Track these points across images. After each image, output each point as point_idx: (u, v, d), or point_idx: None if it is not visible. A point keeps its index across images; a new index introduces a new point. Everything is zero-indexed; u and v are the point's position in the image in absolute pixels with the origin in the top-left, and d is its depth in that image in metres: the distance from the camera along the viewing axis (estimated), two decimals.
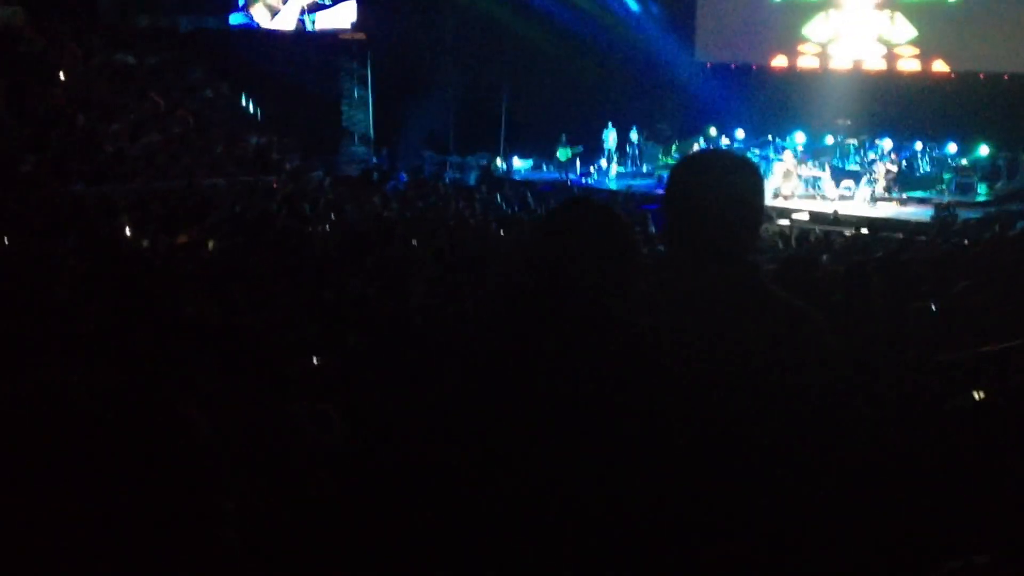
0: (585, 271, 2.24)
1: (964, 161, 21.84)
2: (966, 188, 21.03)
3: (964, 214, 19.04)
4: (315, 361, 4.62)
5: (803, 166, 21.70)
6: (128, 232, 9.87)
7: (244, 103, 23.48)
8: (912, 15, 22.92)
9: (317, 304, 6.27)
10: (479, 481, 2.21)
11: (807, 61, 24.25)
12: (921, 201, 20.52)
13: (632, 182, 22.27)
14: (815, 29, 24.07)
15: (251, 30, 23.65)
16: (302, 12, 23.84)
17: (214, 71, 23.16)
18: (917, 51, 23.04)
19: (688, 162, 2.40)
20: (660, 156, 24.12)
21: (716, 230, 2.25)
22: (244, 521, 1.54)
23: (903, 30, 23.05)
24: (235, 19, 23.58)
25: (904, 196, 20.84)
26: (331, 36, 24.04)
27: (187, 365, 3.52)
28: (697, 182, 2.31)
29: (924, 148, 22.17)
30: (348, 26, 23.81)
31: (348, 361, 4.85)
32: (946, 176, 21.59)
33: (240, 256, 8.38)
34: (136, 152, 19.48)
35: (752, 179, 2.34)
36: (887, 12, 23.11)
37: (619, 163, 23.84)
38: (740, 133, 23.85)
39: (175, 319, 4.35)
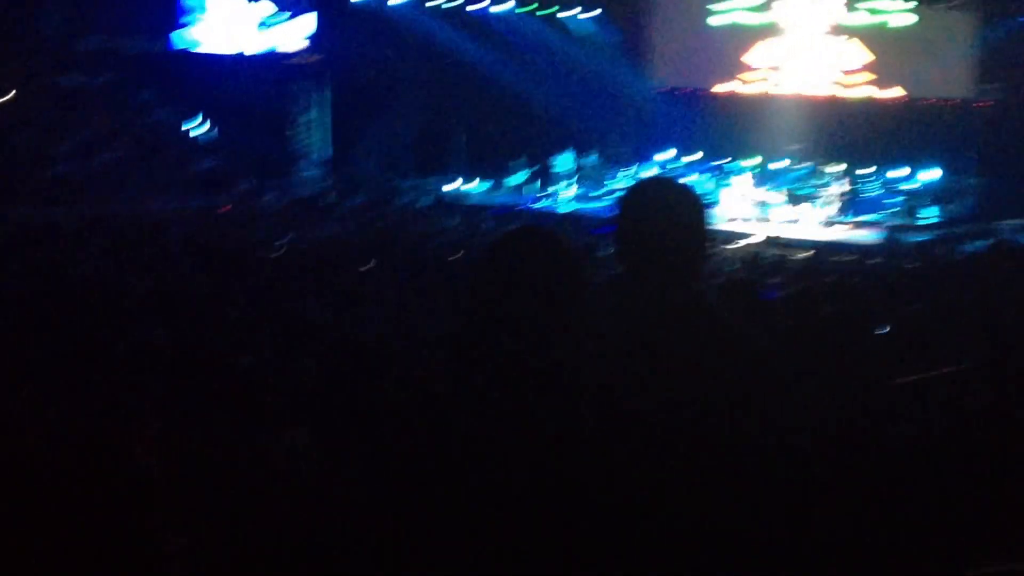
0: (526, 308, 2.27)
1: (914, 185, 22.17)
2: (916, 211, 21.37)
3: (914, 237, 19.33)
4: (272, 385, 4.60)
5: (757, 190, 21.92)
6: (78, 256, 9.77)
7: (194, 125, 23.31)
8: (864, 40, 23.22)
9: (272, 328, 6.24)
10: (438, 520, 2.22)
11: (757, 87, 24.48)
12: (872, 224, 20.79)
13: (586, 206, 22.35)
14: (762, 55, 24.30)
15: (202, 53, 23.47)
16: (260, 25, 23.63)
17: (163, 93, 22.97)
18: (869, 76, 23.35)
19: (636, 191, 2.46)
20: (614, 180, 24.22)
21: (664, 257, 2.31)
22: (195, 557, 1.53)
23: (855, 56, 23.35)
24: (180, 41, 23.38)
25: (855, 219, 21.12)
26: (285, 58, 23.93)
27: (141, 394, 3.50)
28: (645, 211, 2.37)
29: (875, 172, 22.48)
30: (304, 42, 23.67)
31: (304, 387, 4.83)
32: (896, 200, 21.91)
33: (192, 281, 8.33)
34: (82, 175, 19.26)
35: (696, 207, 2.41)
36: (839, 37, 23.37)
37: (574, 186, 23.89)
38: (695, 157, 24.00)
39: (127, 346, 4.33)
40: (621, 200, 2.43)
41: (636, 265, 2.36)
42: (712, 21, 24.50)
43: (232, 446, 3.04)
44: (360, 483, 2.75)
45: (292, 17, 23.51)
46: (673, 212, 2.35)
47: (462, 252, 12.22)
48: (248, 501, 2.88)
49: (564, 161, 23.85)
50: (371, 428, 3.32)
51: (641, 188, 2.48)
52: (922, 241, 19.08)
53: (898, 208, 21.77)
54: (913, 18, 22.38)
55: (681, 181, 2.60)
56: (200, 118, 23.23)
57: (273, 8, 23.50)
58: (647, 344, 2.26)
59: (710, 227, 2.45)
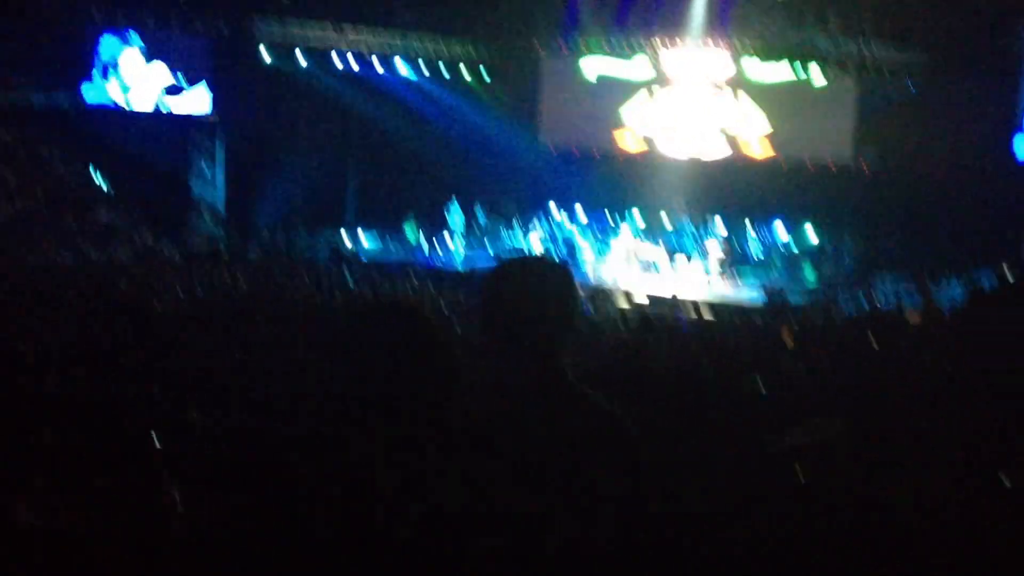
0: (384, 381, 2.32)
1: (794, 246, 22.67)
2: (795, 271, 21.84)
3: (793, 298, 19.76)
4: (160, 441, 4.52)
5: (641, 247, 22.21)
6: None
7: (95, 179, 22.93)
8: (747, 103, 23.70)
9: (164, 380, 6.14)
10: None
11: (640, 146, 24.84)
12: (753, 284, 21.18)
13: (475, 261, 22.42)
14: (643, 113, 24.76)
15: (104, 108, 23.12)
16: (165, 92, 23.41)
17: (65, 148, 22.58)
18: (751, 139, 23.79)
19: (501, 269, 2.50)
20: (503, 235, 24.38)
21: (529, 334, 2.37)
22: None
23: (736, 117, 23.81)
24: (90, 97, 23.01)
25: (737, 279, 21.50)
26: (183, 114, 23.70)
27: (26, 448, 3.42)
28: (510, 289, 2.41)
29: (757, 232, 22.97)
30: (205, 111, 23.53)
31: (196, 441, 4.76)
32: (776, 260, 22.42)
33: (87, 332, 8.15)
34: None
35: (563, 283, 2.46)
36: (722, 97, 23.88)
37: (466, 243, 23.99)
38: (581, 213, 24.28)
39: (16, 397, 4.23)
40: (488, 278, 2.47)
41: (499, 341, 2.41)
42: (583, 70, 24.89)
43: (120, 503, 2.99)
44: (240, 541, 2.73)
45: (190, 83, 23.34)
46: (536, 292, 2.40)
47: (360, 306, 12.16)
48: (131, 558, 2.83)
49: (456, 218, 23.97)
50: (258, 483, 3.30)
51: (509, 266, 2.52)
52: (803, 304, 19.52)
53: (779, 267, 22.25)
54: (794, 80, 22.90)
55: (554, 254, 2.67)
56: (100, 172, 22.88)
57: (167, 74, 23.30)
58: (512, 416, 2.32)
59: (576, 305, 2.51)
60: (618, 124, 24.92)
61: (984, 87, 19.64)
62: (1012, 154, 19.74)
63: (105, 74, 22.93)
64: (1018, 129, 19.64)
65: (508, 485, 2.24)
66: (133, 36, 22.90)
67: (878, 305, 18.53)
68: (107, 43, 22.85)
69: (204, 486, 3.54)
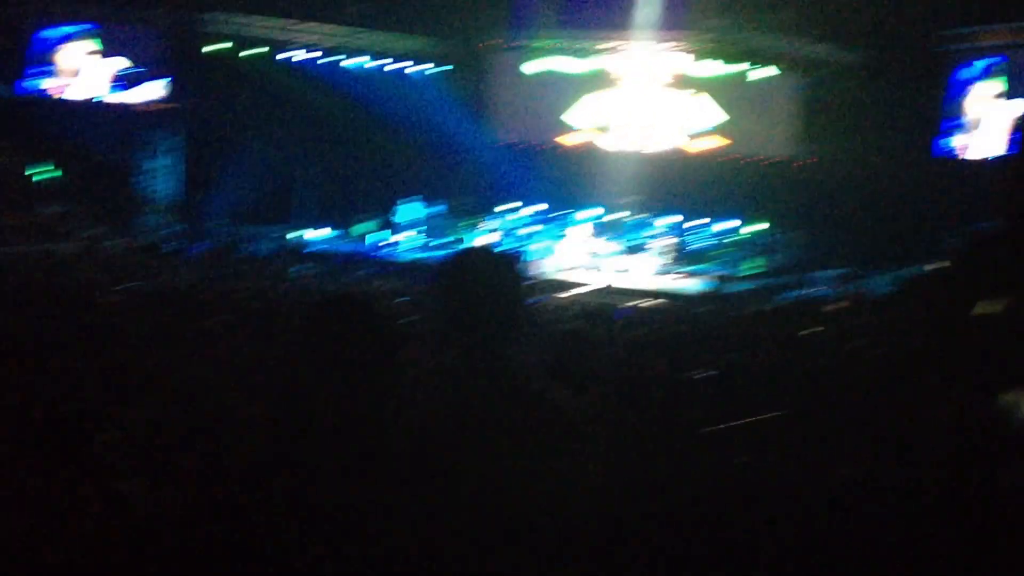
0: (337, 375, 2.30)
1: (739, 237, 22.94)
2: (738, 263, 22.10)
3: (739, 286, 20.00)
4: (105, 436, 4.45)
5: (594, 240, 22.35)
6: None
7: (39, 171, 22.60)
8: (695, 98, 23.91)
9: (109, 375, 6.04)
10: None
11: (590, 141, 24.96)
12: (699, 274, 21.40)
13: (428, 255, 22.40)
14: (593, 108, 24.84)
15: (49, 99, 22.77)
16: (114, 84, 23.08)
17: (5, 139, 22.20)
18: (700, 133, 24.03)
19: (452, 260, 2.48)
20: (455, 229, 24.39)
21: (479, 325, 2.34)
22: None
23: (686, 112, 24.02)
24: (30, 85, 22.66)
25: (684, 269, 21.71)
26: (132, 107, 23.41)
27: None
28: (460, 280, 2.40)
29: (703, 224, 23.24)
30: (151, 98, 23.25)
31: (141, 434, 4.69)
32: (720, 252, 22.65)
33: (29, 326, 8.01)
34: None
35: (512, 274, 2.44)
36: (673, 92, 24.02)
37: (417, 235, 23.96)
38: (533, 208, 24.35)
39: None
40: (438, 269, 2.45)
41: (449, 332, 2.39)
42: (526, 69, 24.96)
43: (58, 497, 2.93)
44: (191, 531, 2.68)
45: (147, 76, 23.05)
46: (486, 283, 2.38)
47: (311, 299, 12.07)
48: (73, 553, 2.78)
49: (410, 211, 23.94)
50: (207, 477, 3.25)
51: (456, 258, 2.50)
52: (748, 290, 19.77)
53: (724, 259, 22.46)
54: (739, 78, 23.17)
55: (506, 247, 2.66)
56: (48, 163, 22.56)
57: (127, 63, 23.00)
58: (460, 409, 2.30)
59: (525, 294, 2.50)
60: (567, 119, 25.02)
61: (915, 87, 20.02)
62: (939, 152, 20.14)
63: (47, 65, 22.60)
64: (944, 131, 20.04)
65: (457, 477, 2.23)
66: (78, 27, 22.59)
67: (816, 294, 18.81)
68: (50, 34, 22.53)
69: (147, 481, 3.49)
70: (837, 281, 19.72)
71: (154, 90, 23.23)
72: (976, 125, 19.47)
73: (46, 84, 22.75)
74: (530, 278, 15.30)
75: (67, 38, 22.51)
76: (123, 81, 23.12)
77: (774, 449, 4.25)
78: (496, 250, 2.67)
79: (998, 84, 19.24)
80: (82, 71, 22.84)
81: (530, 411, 2.31)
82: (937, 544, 2.99)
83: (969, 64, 19.75)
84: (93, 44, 22.77)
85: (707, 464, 3.95)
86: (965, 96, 19.68)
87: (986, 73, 19.56)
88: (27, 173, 22.55)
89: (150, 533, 3.04)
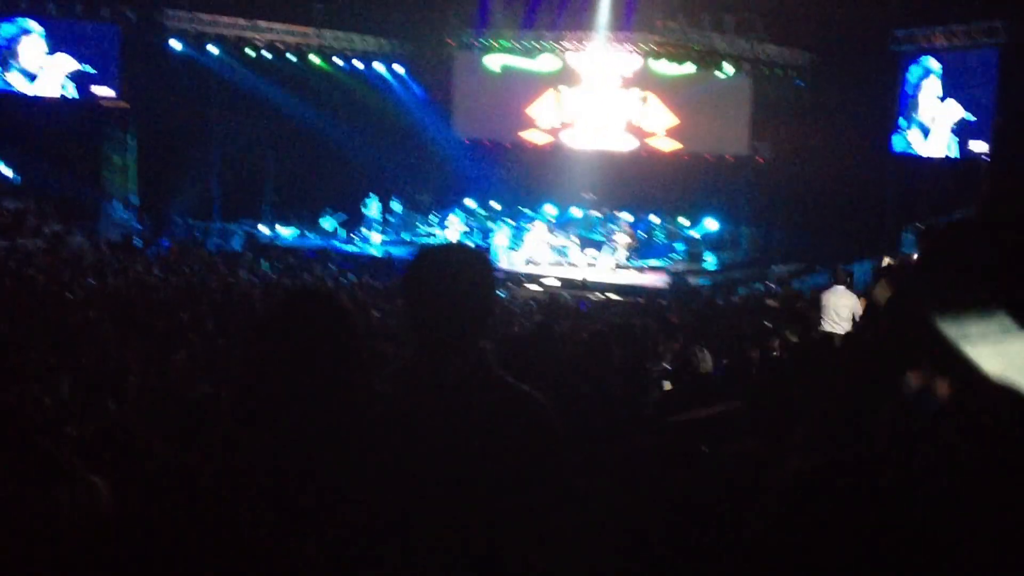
0: (304, 368, 2.28)
1: (694, 233, 23.10)
2: (696, 258, 22.25)
3: (696, 281, 20.15)
4: (73, 430, 4.39)
5: (553, 235, 22.42)
6: None
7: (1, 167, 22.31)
8: (652, 98, 24.03)
9: (76, 372, 5.98)
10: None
11: (547, 139, 25.05)
12: (657, 269, 21.53)
13: (393, 249, 22.37)
14: (553, 107, 24.93)
15: (7, 94, 22.44)
16: (72, 78, 22.80)
17: None
18: (657, 132, 24.15)
19: (423, 257, 2.46)
20: (419, 225, 24.39)
21: (449, 320, 2.34)
22: None
23: (643, 111, 24.13)
24: None
25: (643, 264, 21.83)
26: (93, 103, 23.12)
27: None
28: (432, 276, 2.38)
29: (660, 221, 23.39)
30: (111, 93, 22.99)
31: (109, 430, 4.64)
32: (679, 247, 22.80)
33: None
34: None
35: (483, 271, 2.43)
36: (631, 92, 24.15)
37: (381, 231, 23.90)
38: (495, 204, 24.37)
39: None
40: (411, 265, 2.43)
41: (424, 324, 2.38)
42: (488, 67, 25.00)
43: (17, 496, 2.87)
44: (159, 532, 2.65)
45: (110, 72, 22.79)
46: (457, 279, 2.37)
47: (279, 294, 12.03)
48: (32, 555, 2.73)
49: (371, 207, 23.86)
50: (171, 475, 3.22)
51: (427, 254, 2.48)
52: (703, 284, 19.92)
53: (681, 254, 22.60)
54: (694, 78, 23.31)
55: (471, 243, 2.65)
56: (5, 160, 22.26)
57: (71, 60, 22.72)
58: (435, 402, 2.30)
59: (495, 290, 2.48)
60: (527, 117, 25.08)
61: (866, 87, 20.22)
62: (890, 151, 20.35)
63: (4, 62, 22.30)
64: (894, 130, 20.24)
65: (432, 474, 2.22)
66: (31, 22, 22.29)
67: (769, 289, 18.99)
68: (3, 31, 22.22)
69: (115, 478, 3.44)
70: (792, 275, 19.90)
71: (116, 87, 22.97)
72: (928, 124, 19.67)
73: (8, 79, 22.44)
74: (499, 273, 15.32)
75: (25, 32, 22.21)
76: (85, 78, 22.85)
77: (733, 439, 4.27)
78: (467, 246, 2.65)
79: (937, 85, 19.49)
80: (43, 68, 22.56)
81: (506, 406, 2.31)
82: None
83: (915, 63, 19.96)
84: (51, 41, 22.50)
85: (668, 456, 3.97)
86: (916, 95, 19.88)
87: (928, 74, 19.79)
88: None
89: (114, 533, 3.00)
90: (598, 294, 18.68)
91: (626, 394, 5.57)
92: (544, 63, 24.67)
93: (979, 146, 17.65)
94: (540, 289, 19.27)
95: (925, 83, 19.86)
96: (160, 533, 2.53)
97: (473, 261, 2.44)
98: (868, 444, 2.12)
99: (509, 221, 23.38)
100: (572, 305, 15.95)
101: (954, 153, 18.61)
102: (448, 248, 2.60)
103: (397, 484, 2.20)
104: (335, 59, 24.68)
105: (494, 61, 25.04)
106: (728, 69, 22.78)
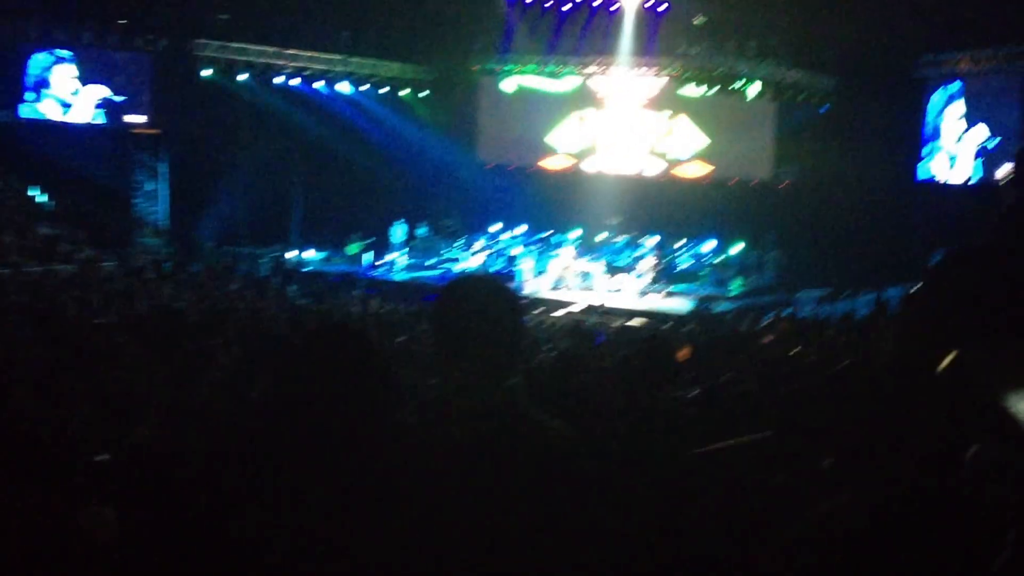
0: (331, 400, 2.24)
1: (720, 258, 22.97)
2: (722, 283, 22.10)
3: (722, 306, 19.99)
4: (98, 458, 4.36)
5: (578, 261, 22.35)
6: None
7: (34, 194, 22.54)
8: (677, 123, 24.02)
9: (104, 397, 5.96)
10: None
11: (571, 163, 25.05)
12: (683, 294, 21.38)
13: (418, 275, 22.37)
14: (576, 131, 24.90)
15: (42, 123, 22.71)
16: (98, 105, 23.07)
17: (2, 163, 22.16)
18: (682, 157, 24.13)
19: (452, 289, 2.42)
20: (445, 251, 24.41)
21: (478, 354, 2.29)
22: None
23: (672, 134, 24.12)
24: (25, 113, 22.61)
25: (668, 289, 21.69)
26: (125, 129, 23.36)
27: None
28: (462, 307, 2.34)
29: (685, 245, 23.25)
30: (142, 120, 23.22)
31: (133, 456, 4.61)
32: (704, 272, 22.64)
33: (26, 348, 7.92)
34: None
35: (510, 304, 2.39)
36: (656, 116, 24.10)
37: (409, 258, 23.93)
38: (521, 229, 24.36)
39: None
40: (440, 297, 2.39)
41: (454, 358, 2.34)
42: (510, 93, 25.02)
43: (35, 522, 2.85)
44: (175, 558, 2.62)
45: (129, 98, 23.04)
46: (486, 310, 2.33)
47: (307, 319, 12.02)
48: None
49: (397, 232, 23.91)
50: (194, 501, 3.18)
51: (455, 286, 2.45)
52: (730, 310, 19.75)
53: (707, 279, 22.45)
54: (718, 101, 23.28)
55: (497, 274, 2.61)
56: (40, 187, 22.52)
57: (103, 89, 22.97)
58: (457, 439, 2.25)
59: (523, 320, 2.45)
60: (551, 143, 25.12)
61: (890, 112, 20.14)
62: (915, 179, 20.26)
63: (38, 91, 22.57)
64: (919, 158, 20.15)
65: (459, 513, 2.17)
66: (65, 53, 22.57)
67: (795, 315, 18.80)
68: (38, 61, 22.51)
69: (139, 504, 3.41)
70: (820, 301, 19.71)
71: (147, 114, 23.19)
72: (953, 151, 19.59)
73: (43, 108, 22.70)
74: (524, 300, 15.28)
75: (59, 62, 22.50)
76: (116, 105, 23.09)
77: (762, 469, 4.19)
78: (492, 274, 2.61)
79: (961, 109, 19.42)
80: (76, 96, 22.82)
81: (537, 446, 2.25)
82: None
83: (939, 89, 19.91)
84: (84, 70, 22.77)
85: (698, 486, 3.90)
86: (939, 122, 19.81)
87: (952, 99, 19.73)
88: (27, 195, 22.55)
89: (138, 557, 2.97)
90: (622, 321, 18.56)
91: (651, 425, 5.50)
92: (568, 87, 24.73)
93: (1004, 172, 17.54)
94: (565, 314, 19.18)
95: (948, 109, 19.76)
96: (183, 560, 2.50)
97: (503, 292, 2.40)
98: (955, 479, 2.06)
99: (534, 246, 23.36)
100: (594, 333, 15.86)
101: (977, 177, 18.50)
102: (478, 279, 2.56)
103: (423, 519, 2.16)
104: (361, 85, 24.86)
105: (517, 87, 25.10)
106: (752, 93, 22.76)
